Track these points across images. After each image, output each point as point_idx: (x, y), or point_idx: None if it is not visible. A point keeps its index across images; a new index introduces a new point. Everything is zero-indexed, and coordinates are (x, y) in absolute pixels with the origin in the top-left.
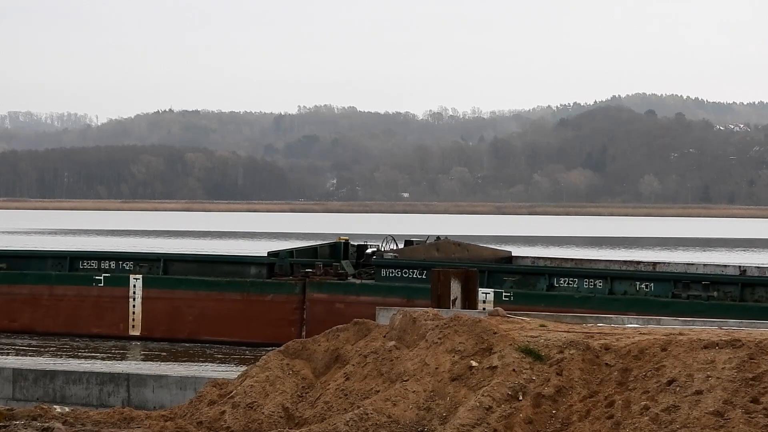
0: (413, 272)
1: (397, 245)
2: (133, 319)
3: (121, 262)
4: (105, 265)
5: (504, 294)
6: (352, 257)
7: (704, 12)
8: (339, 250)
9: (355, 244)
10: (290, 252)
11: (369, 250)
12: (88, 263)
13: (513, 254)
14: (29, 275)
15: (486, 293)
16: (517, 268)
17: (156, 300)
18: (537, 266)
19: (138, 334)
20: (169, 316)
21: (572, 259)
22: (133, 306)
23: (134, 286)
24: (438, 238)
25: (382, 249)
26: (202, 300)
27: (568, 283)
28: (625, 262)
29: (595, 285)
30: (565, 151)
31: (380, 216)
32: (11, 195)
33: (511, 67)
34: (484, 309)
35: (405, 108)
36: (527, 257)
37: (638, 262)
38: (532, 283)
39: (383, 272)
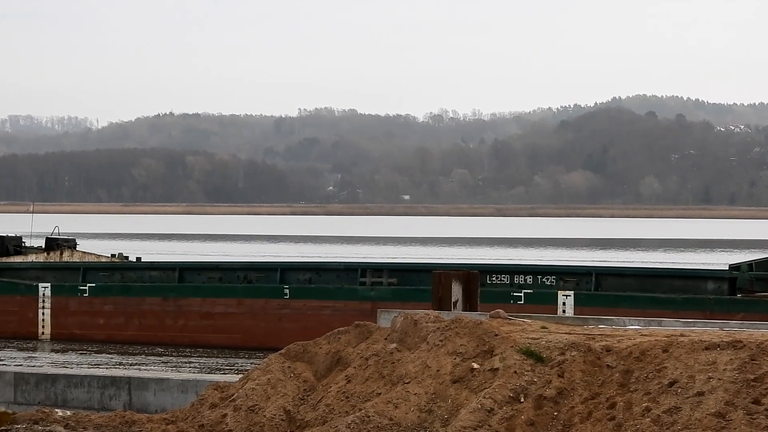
0: None
1: None
2: None
3: (540, 277)
4: (520, 279)
5: None
6: None
7: (704, 13)
8: None
9: None
10: (749, 265)
11: None
12: (498, 277)
13: None
14: (428, 292)
15: None
16: None
17: None
18: None
19: None
20: None
21: None
22: None
23: (563, 303)
24: None
25: None
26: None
27: None
28: None
29: None
30: (566, 153)
31: (381, 218)
32: (11, 199)
33: (511, 68)
34: None
35: (405, 110)
36: None
37: None
38: None
39: None
